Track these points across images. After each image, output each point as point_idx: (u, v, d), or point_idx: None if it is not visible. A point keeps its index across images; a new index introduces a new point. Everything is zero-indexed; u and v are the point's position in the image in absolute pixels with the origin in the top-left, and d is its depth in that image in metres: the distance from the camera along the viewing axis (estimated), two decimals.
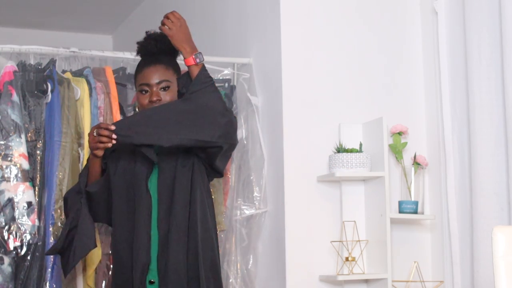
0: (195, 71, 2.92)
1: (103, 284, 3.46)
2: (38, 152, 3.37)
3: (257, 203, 3.69)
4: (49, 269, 3.27)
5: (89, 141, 2.94)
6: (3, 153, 3.27)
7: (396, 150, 3.56)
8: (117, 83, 3.61)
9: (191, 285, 2.87)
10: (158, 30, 3.01)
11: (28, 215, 3.26)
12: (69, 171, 3.36)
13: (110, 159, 3.01)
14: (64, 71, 3.55)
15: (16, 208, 3.24)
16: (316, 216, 3.56)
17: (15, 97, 3.33)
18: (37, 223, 3.28)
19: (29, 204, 3.27)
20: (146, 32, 3.09)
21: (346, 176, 3.47)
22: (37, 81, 3.42)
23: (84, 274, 3.40)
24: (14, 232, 3.24)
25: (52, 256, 3.26)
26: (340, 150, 3.50)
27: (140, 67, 3.04)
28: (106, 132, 2.86)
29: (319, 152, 3.59)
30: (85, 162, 3.20)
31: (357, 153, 3.47)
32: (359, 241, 3.50)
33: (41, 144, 3.38)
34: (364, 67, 3.73)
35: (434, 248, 3.66)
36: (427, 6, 3.76)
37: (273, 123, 3.66)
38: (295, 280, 3.49)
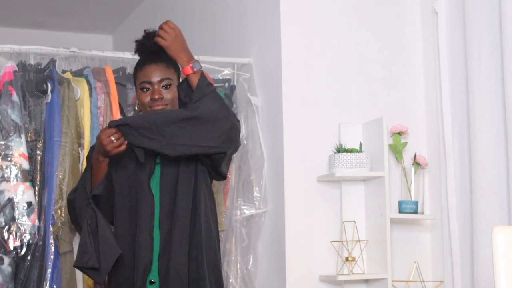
0: (195, 80, 2.92)
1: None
2: (38, 152, 3.37)
3: (257, 203, 3.69)
4: (49, 269, 3.26)
5: (101, 145, 2.89)
6: (3, 153, 3.27)
7: (396, 150, 3.56)
8: (117, 83, 3.61)
9: (192, 287, 2.87)
10: (156, 29, 3.01)
11: (28, 215, 3.25)
12: (69, 171, 3.35)
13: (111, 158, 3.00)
14: (64, 71, 3.55)
15: (16, 208, 3.24)
16: (316, 216, 3.56)
17: (15, 97, 3.33)
18: (37, 223, 3.27)
19: (29, 204, 3.26)
20: (145, 31, 3.08)
21: (346, 176, 3.47)
22: (37, 81, 3.42)
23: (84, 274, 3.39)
24: (14, 232, 3.23)
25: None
26: (340, 150, 3.50)
27: (141, 64, 3.01)
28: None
29: (319, 152, 3.59)
30: (85, 162, 3.18)
31: (357, 153, 3.47)
32: (359, 241, 3.50)
33: (41, 144, 3.37)
34: (364, 67, 3.73)
35: (434, 248, 3.65)
36: (427, 6, 3.76)
37: (273, 123, 3.66)
38: (295, 280, 3.49)
